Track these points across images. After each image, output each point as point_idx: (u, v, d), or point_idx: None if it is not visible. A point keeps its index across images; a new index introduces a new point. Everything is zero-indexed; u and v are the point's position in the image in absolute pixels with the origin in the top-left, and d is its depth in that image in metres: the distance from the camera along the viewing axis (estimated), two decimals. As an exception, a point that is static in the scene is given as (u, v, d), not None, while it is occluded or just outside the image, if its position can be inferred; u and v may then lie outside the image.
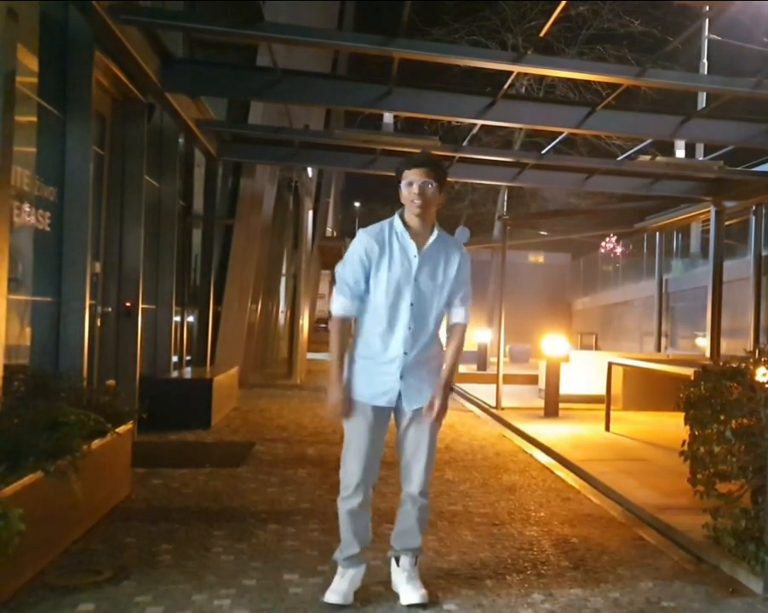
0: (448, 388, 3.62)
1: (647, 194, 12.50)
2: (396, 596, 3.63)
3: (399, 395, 3.56)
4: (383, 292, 3.53)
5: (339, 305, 3.55)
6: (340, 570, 3.63)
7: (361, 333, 3.61)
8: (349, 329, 3.60)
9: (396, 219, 3.60)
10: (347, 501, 3.58)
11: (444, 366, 3.65)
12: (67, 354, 6.09)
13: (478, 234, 26.51)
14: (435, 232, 3.59)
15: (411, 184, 3.51)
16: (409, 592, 3.57)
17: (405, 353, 3.53)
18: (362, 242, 3.56)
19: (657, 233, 18.34)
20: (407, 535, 3.68)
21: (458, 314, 3.69)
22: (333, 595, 3.52)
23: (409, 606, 3.52)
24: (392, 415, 3.66)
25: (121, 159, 7.73)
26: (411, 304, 3.52)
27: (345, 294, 3.55)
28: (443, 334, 3.73)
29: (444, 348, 3.71)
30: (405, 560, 3.67)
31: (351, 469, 3.57)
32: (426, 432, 3.60)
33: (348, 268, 3.57)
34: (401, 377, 3.54)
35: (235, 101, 11.81)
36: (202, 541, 4.43)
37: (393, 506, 5.34)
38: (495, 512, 5.35)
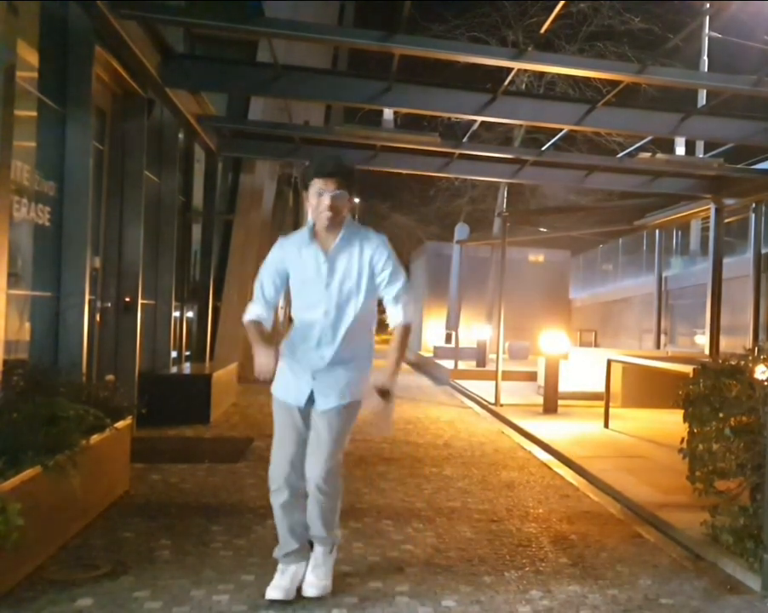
0: (385, 393, 3.40)
1: (647, 191, 12.49)
2: (394, 592, 3.64)
3: (312, 395, 3.54)
4: (297, 301, 3.58)
5: (250, 312, 3.61)
6: (280, 566, 3.60)
7: (288, 335, 3.67)
8: (260, 326, 3.59)
9: (306, 229, 3.55)
10: (277, 495, 3.57)
11: (384, 369, 3.48)
12: (66, 349, 6.08)
13: (478, 231, 26.44)
14: (341, 231, 3.49)
15: (321, 194, 3.42)
16: (308, 582, 3.57)
17: (321, 357, 3.52)
18: (278, 249, 3.58)
19: (657, 231, 18.35)
20: (311, 525, 3.63)
21: (393, 315, 3.52)
22: (274, 591, 3.49)
23: (304, 597, 3.52)
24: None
25: (121, 154, 7.72)
26: (326, 311, 3.49)
27: (258, 301, 3.61)
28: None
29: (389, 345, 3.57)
30: (318, 548, 3.66)
31: (276, 463, 3.58)
32: (329, 430, 3.51)
33: (264, 275, 3.60)
34: (314, 378, 3.54)
35: (235, 97, 11.79)
36: (200, 536, 4.43)
37: (392, 502, 5.37)
38: (494, 508, 5.35)
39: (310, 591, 3.54)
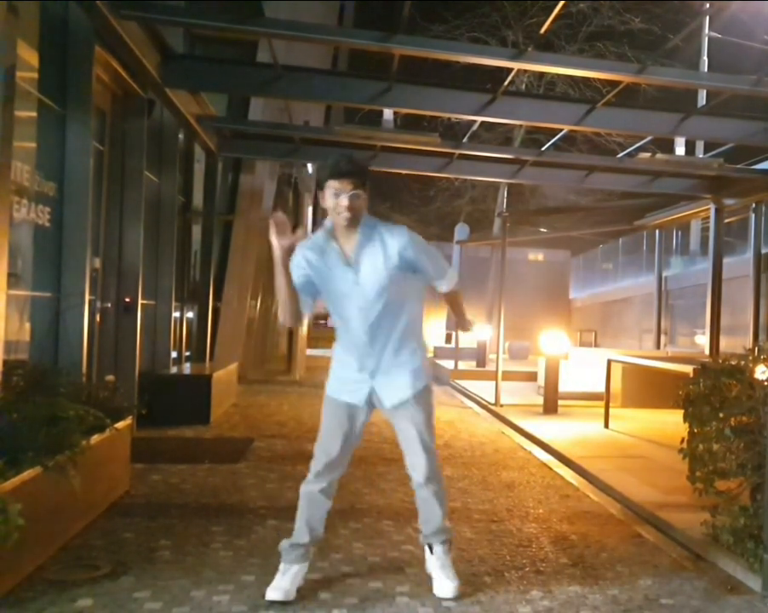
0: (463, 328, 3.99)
1: (647, 191, 12.50)
2: (395, 592, 3.64)
3: (374, 393, 3.58)
4: (331, 306, 3.57)
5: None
6: (282, 566, 3.60)
7: (336, 336, 3.69)
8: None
9: (324, 232, 3.52)
10: (308, 484, 3.62)
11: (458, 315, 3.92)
12: (66, 349, 6.08)
13: (478, 231, 26.47)
14: (359, 230, 3.46)
15: (338, 195, 3.38)
16: (442, 583, 3.62)
17: (371, 355, 3.53)
18: (299, 257, 3.46)
19: (657, 231, 18.35)
20: (430, 520, 3.71)
21: (440, 286, 3.69)
22: (275, 592, 3.48)
23: (441, 599, 3.57)
24: (372, 412, 3.69)
25: (121, 155, 7.72)
26: (361, 310, 3.47)
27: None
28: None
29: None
30: (438, 548, 3.70)
31: (318, 456, 3.63)
32: (413, 422, 3.58)
33: (296, 282, 3.50)
34: (371, 376, 3.56)
35: (235, 97, 11.80)
36: (200, 536, 4.43)
37: (392, 502, 5.36)
38: (494, 509, 5.35)
39: (446, 591, 3.57)
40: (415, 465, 3.62)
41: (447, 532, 3.73)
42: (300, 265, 3.47)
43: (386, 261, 3.45)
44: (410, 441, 3.60)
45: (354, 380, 3.60)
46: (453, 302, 3.85)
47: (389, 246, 3.46)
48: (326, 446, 3.62)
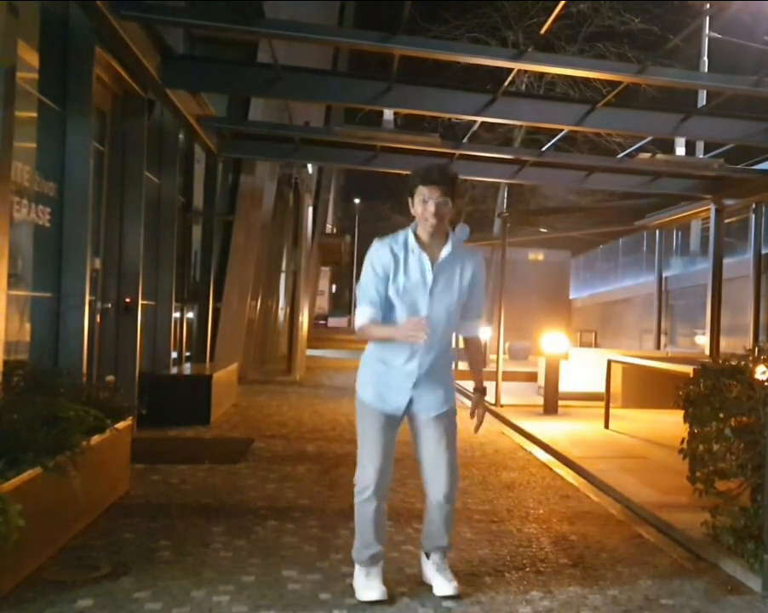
0: (484, 394, 3.82)
1: (647, 192, 12.49)
2: (395, 593, 3.64)
3: (411, 403, 3.61)
4: (399, 307, 3.53)
5: (363, 316, 3.53)
6: (363, 569, 3.63)
7: (379, 341, 3.64)
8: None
9: (409, 234, 3.56)
10: (369, 503, 3.61)
11: (475, 376, 3.83)
12: (67, 350, 6.08)
13: (478, 231, 26.45)
14: (450, 244, 3.56)
15: (426, 201, 3.47)
16: (441, 583, 3.65)
17: (420, 365, 3.56)
18: (377, 253, 3.53)
19: (657, 231, 18.36)
20: (435, 537, 3.74)
21: (473, 327, 3.79)
22: (373, 593, 3.54)
23: (443, 597, 3.59)
24: (407, 422, 3.71)
25: (121, 155, 7.72)
26: (426, 317, 3.48)
27: (366, 304, 3.52)
28: None
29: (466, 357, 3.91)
30: (434, 555, 3.75)
31: (368, 472, 3.60)
32: (444, 437, 3.64)
33: (366, 280, 3.54)
34: (414, 386, 3.59)
35: (235, 98, 11.79)
36: (201, 537, 4.43)
37: (393, 502, 5.32)
38: (494, 509, 5.35)
39: (448, 590, 3.61)
40: (438, 480, 3.64)
41: (447, 548, 3.79)
42: (385, 258, 3.50)
43: (461, 280, 3.59)
44: (439, 455, 3.63)
45: (396, 386, 3.59)
46: (475, 347, 3.89)
47: (467, 267, 3.60)
48: (372, 453, 3.60)
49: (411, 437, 3.75)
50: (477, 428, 3.77)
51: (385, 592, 3.55)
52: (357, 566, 3.67)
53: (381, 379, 3.61)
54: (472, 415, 3.76)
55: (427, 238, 3.55)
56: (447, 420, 3.67)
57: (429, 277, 3.52)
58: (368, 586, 3.57)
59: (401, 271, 3.52)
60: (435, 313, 3.52)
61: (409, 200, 3.57)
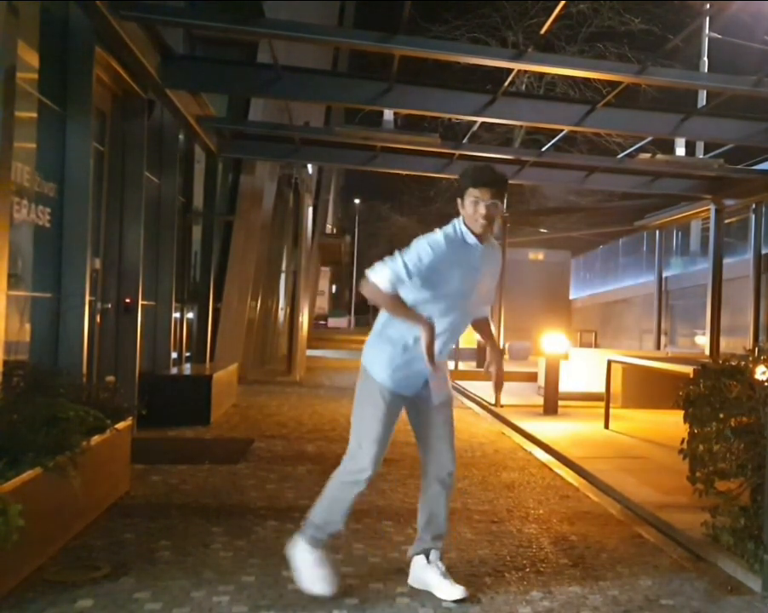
0: (501, 355, 3.92)
1: (647, 192, 12.51)
2: (395, 593, 3.64)
3: (425, 386, 3.66)
4: (444, 297, 3.52)
5: (389, 284, 3.42)
6: (316, 556, 3.59)
7: (401, 321, 3.58)
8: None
9: (465, 229, 3.55)
10: (358, 486, 3.60)
11: (491, 341, 3.93)
12: (67, 350, 6.08)
13: (478, 231, 26.44)
14: (492, 242, 3.69)
15: (477, 203, 3.51)
16: (448, 588, 3.62)
17: (440, 352, 3.63)
18: (440, 245, 3.47)
19: (657, 231, 18.36)
20: (436, 522, 3.75)
21: (485, 311, 3.96)
22: (328, 585, 3.53)
23: (455, 602, 3.57)
24: (409, 405, 3.76)
25: (121, 155, 7.72)
26: (465, 311, 3.66)
27: (395, 278, 3.42)
28: None
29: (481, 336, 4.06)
30: (434, 554, 3.72)
31: (368, 454, 3.58)
32: (449, 420, 3.79)
33: (416, 259, 3.43)
34: (431, 371, 3.62)
35: (235, 98, 11.80)
36: (201, 537, 4.43)
37: (393, 502, 5.36)
38: (494, 509, 5.35)
39: (458, 594, 3.59)
40: (445, 456, 3.74)
41: (444, 536, 3.80)
42: (431, 253, 3.44)
43: (495, 274, 3.80)
44: (445, 437, 3.75)
45: (417, 370, 3.59)
46: (486, 324, 3.98)
47: (498, 261, 3.81)
48: (377, 435, 3.59)
49: (413, 420, 3.79)
50: (497, 385, 3.79)
51: (338, 583, 3.55)
52: (305, 548, 3.63)
53: (404, 362, 3.59)
54: (486, 370, 3.77)
55: (476, 236, 3.59)
56: (449, 404, 3.81)
57: (478, 274, 3.59)
58: (322, 577, 3.55)
59: (454, 264, 3.50)
60: (470, 306, 3.67)
61: (458, 200, 3.61)
